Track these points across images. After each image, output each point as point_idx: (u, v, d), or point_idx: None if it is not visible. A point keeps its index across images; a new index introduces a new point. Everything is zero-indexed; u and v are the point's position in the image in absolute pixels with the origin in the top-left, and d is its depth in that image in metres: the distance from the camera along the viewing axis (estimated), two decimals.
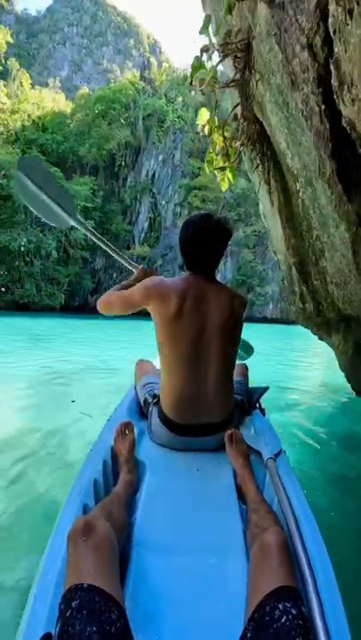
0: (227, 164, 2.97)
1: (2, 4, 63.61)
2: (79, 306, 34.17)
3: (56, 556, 0.84)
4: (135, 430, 1.46)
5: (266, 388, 1.95)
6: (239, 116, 2.86)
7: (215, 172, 3.06)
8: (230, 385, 1.56)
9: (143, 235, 42.79)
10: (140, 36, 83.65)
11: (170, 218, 43.39)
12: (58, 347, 9.49)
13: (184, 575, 0.88)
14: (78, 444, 2.64)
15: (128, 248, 40.94)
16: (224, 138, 2.88)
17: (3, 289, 28.98)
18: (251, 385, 2.00)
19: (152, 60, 51.32)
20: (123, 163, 42.73)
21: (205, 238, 1.47)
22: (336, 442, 3.16)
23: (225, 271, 43.68)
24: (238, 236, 44.11)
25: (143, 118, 43.21)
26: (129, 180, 43.37)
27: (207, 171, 3.12)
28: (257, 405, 1.86)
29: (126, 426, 1.43)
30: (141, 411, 1.72)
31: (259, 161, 2.88)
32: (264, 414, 1.84)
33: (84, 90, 48.25)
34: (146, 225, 43.15)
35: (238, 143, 2.93)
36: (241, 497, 1.19)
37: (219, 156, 2.99)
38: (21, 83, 44.56)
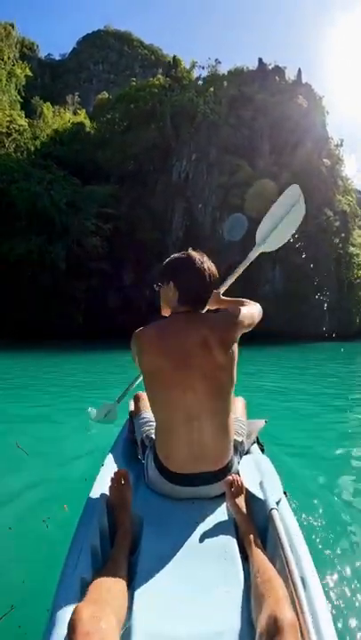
0: None
1: (25, 51, 64.32)
2: (102, 328, 27.15)
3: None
4: (131, 477, 1.41)
5: (264, 422, 1.91)
6: None
7: None
8: (229, 427, 1.42)
9: (178, 244, 35.96)
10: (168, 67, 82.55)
11: (208, 223, 36.52)
12: None
13: None
14: None
15: (162, 260, 34.36)
16: None
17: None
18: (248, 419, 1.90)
19: (178, 57, 46.86)
20: (151, 167, 37.30)
21: None
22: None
23: (274, 281, 35.47)
24: None
25: (171, 116, 37.90)
26: (158, 184, 37.51)
27: None
28: (255, 441, 1.79)
29: (123, 476, 1.36)
30: (137, 451, 1.67)
31: None
32: (263, 450, 1.78)
33: (104, 95, 44.43)
34: (181, 233, 36.46)
35: None
36: (243, 551, 1.14)
37: None
38: (44, 113, 42.98)
